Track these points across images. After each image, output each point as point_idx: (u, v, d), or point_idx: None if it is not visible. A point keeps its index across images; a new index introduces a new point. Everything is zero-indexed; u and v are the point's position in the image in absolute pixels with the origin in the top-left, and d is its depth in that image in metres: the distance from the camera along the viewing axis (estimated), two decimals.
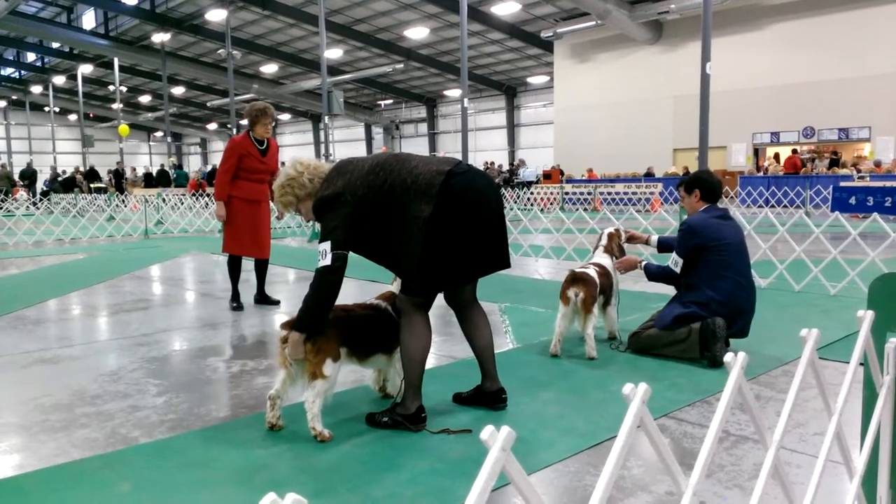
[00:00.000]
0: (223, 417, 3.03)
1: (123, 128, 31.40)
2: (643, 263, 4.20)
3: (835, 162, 20.35)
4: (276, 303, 5.90)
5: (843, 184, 15.91)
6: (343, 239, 2.73)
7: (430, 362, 3.88)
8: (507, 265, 2.97)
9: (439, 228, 2.69)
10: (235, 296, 5.77)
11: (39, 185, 29.10)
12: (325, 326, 2.73)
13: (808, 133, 23.46)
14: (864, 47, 21.68)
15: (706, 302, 3.81)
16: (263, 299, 5.92)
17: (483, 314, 3.09)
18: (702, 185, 4.02)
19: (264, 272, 5.92)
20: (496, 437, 0.75)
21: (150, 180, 27.64)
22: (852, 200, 14.40)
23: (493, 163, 30.53)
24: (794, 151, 22.41)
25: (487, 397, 3.07)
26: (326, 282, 2.69)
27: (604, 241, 4.47)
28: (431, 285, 2.82)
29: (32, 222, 13.45)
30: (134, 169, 31.96)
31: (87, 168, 28.07)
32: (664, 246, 4.33)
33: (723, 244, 3.83)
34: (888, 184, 14.86)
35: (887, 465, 1.53)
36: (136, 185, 27.10)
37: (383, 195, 2.75)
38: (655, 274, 4.13)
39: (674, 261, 3.97)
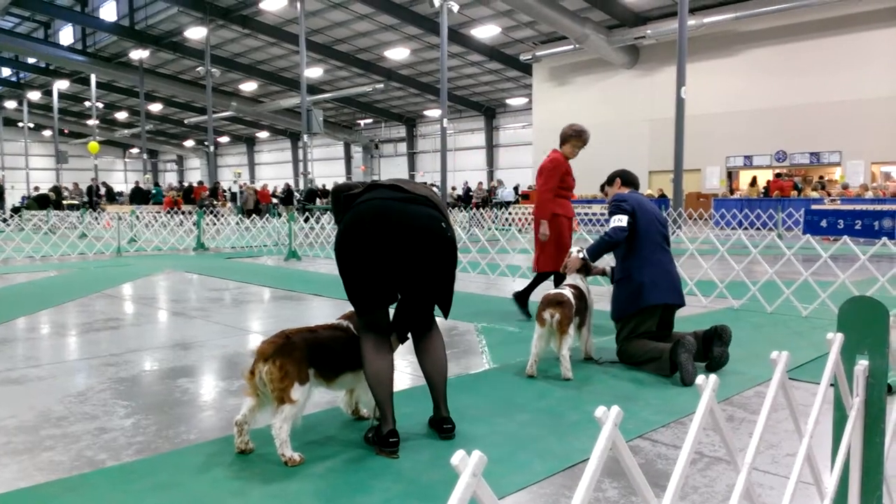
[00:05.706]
0: (193, 440, 2.97)
1: (93, 145, 31.01)
2: (581, 254, 4.43)
3: (818, 185, 20.84)
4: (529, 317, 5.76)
5: (814, 206, 16.24)
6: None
7: (405, 383, 3.85)
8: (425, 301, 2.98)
9: (341, 248, 2.84)
10: (525, 301, 5.85)
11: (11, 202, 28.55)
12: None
13: (780, 157, 23.95)
14: (835, 73, 22.27)
15: (640, 266, 4.17)
16: (525, 307, 5.89)
17: (438, 343, 3.00)
18: (621, 175, 4.61)
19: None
20: (467, 461, 0.74)
21: (113, 196, 27.30)
22: (823, 223, 14.70)
23: (480, 183, 30.97)
24: (778, 175, 22.89)
25: (434, 425, 2.99)
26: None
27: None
28: (353, 301, 2.90)
29: (2, 239, 13.19)
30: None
31: (51, 187, 27.40)
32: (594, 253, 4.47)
33: (647, 217, 4.26)
34: (858, 207, 15.19)
35: (857, 487, 1.54)
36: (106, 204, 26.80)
37: None
38: (598, 248, 4.36)
39: (617, 218, 4.23)
